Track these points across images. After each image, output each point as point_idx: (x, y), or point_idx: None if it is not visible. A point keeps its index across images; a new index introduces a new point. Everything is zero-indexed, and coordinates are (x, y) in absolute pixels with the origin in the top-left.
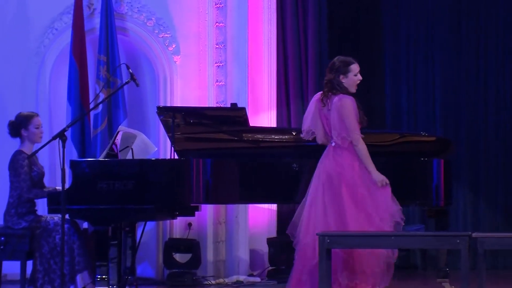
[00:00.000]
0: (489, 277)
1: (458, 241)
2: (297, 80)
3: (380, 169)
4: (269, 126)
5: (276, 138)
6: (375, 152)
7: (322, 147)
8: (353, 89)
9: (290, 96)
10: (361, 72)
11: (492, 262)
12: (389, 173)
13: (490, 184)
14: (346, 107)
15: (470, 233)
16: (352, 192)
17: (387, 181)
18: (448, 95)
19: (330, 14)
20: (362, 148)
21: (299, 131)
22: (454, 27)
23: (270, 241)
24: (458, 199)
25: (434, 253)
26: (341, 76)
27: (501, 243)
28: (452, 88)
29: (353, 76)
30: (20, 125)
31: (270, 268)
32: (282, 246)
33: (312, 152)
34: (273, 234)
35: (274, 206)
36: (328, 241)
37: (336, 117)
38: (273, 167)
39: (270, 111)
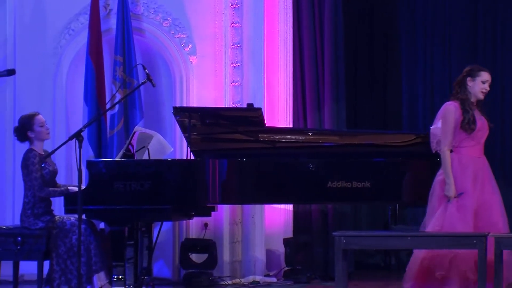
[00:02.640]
0: None
1: (474, 241)
2: (313, 80)
3: (397, 169)
4: (285, 126)
5: (293, 139)
6: (391, 153)
7: (340, 148)
8: (479, 95)
9: (306, 96)
10: (377, 72)
11: None
12: (406, 173)
13: (507, 184)
14: (443, 112)
15: (486, 233)
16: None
17: (451, 200)
18: None
19: (346, 13)
20: (443, 157)
21: (315, 131)
22: (471, 27)
23: (286, 241)
24: None
25: None
26: (469, 78)
27: None
28: None
29: (480, 82)
30: (24, 128)
31: (287, 268)
32: (298, 246)
33: (328, 152)
34: (290, 234)
35: (290, 206)
36: (344, 241)
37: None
38: (289, 167)
39: (286, 111)
